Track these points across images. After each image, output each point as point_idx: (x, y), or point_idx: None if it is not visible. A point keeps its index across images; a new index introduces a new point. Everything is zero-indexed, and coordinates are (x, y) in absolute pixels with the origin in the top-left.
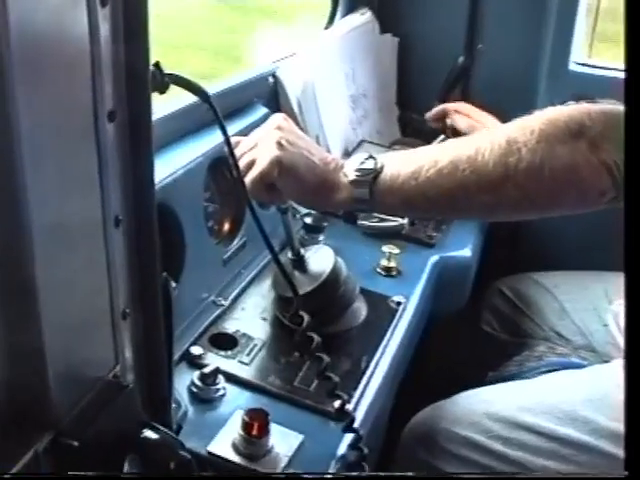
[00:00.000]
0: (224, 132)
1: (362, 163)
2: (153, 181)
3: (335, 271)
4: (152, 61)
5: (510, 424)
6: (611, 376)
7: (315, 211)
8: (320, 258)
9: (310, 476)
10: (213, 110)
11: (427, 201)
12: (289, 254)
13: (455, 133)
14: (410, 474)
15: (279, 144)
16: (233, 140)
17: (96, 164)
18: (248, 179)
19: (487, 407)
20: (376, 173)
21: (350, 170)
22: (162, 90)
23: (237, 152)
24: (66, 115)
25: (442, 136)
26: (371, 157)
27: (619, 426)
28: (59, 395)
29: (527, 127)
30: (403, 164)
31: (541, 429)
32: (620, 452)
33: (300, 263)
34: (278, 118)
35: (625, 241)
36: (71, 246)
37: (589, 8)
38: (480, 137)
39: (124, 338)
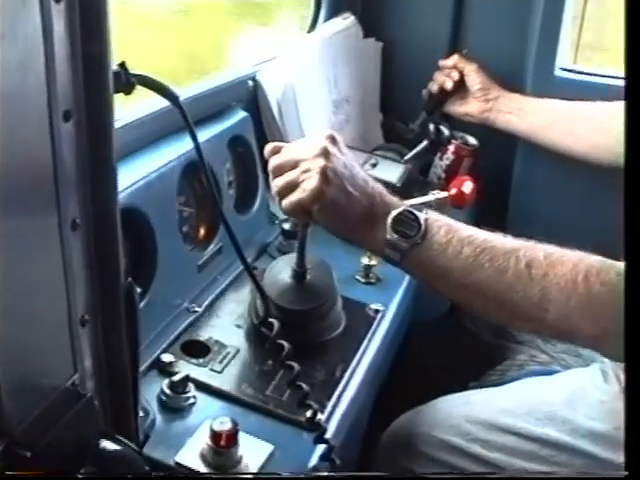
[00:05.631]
0: (193, 135)
1: (404, 223)
2: (115, 184)
3: (332, 295)
4: (117, 61)
5: (488, 426)
6: (590, 378)
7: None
8: (320, 275)
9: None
10: (182, 112)
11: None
12: (292, 263)
13: (444, 93)
14: (390, 475)
15: (324, 175)
16: (271, 145)
17: (51, 164)
18: (286, 202)
19: (466, 410)
20: (414, 243)
21: (390, 223)
22: (128, 91)
23: (277, 161)
24: (19, 114)
25: (425, 142)
26: (416, 219)
27: (597, 425)
28: (12, 403)
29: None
30: (443, 247)
31: (519, 430)
32: (598, 450)
33: (302, 275)
34: (328, 139)
35: (625, 242)
36: (25, 250)
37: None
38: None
39: (83, 346)
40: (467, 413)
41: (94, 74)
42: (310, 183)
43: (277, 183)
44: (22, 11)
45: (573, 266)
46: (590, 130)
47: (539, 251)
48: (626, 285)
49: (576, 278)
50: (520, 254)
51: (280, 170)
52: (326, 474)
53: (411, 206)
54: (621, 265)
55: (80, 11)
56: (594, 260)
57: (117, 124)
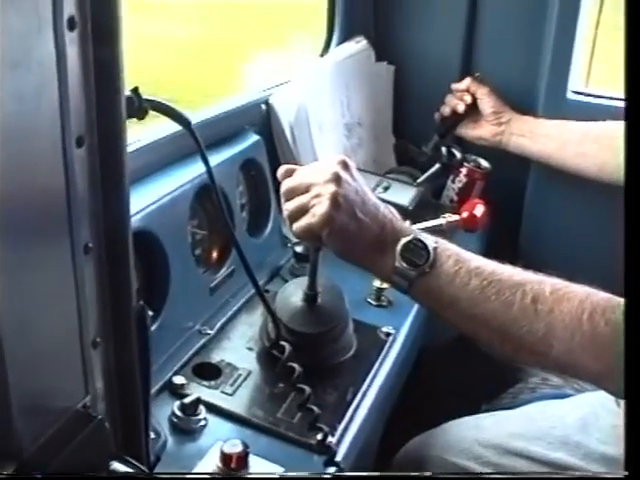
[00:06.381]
0: (204, 159)
1: (413, 251)
2: (128, 208)
3: (343, 318)
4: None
5: (501, 450)
6: (602, 401)
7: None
8: (331, 298)
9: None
10: (193, 137)
11: (455, 322)
12: (304, 287)
13: (456, 116)
14: (405, 474)
15: (334, 201)
16: (284, 168)
17: (63, 189)
18: (296, 226)
19: (478, 434)
20: (422, 272)
21: (399, 251)
22: (141, 116)
23: (289, 184)
24: (32, 140)
25: (438, 165)
26: (425, 248)
27: (609, 449)
28: (23, 424)
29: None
30: (451, 277)
31: (532, 454)
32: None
33: (313, 299)
34: (340, 165)
35: (625, 249)
36: (37, 273)
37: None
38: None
39: (95, 368)
40: (479, 437)
41: (107, 100)
42: (320, 208)
43: (288, 207)
44: (36, 39)
45: (579, 303)
46: (601, 149)
47: (546, 286)
48: (626, 315)
49: (581, 316)
50: (527, 288)
51: (292, 194)
52: (326, 474)
53: (422, 229)
54: None
55: (94, 38)
56: (600, 298)
57: (131, 147)
